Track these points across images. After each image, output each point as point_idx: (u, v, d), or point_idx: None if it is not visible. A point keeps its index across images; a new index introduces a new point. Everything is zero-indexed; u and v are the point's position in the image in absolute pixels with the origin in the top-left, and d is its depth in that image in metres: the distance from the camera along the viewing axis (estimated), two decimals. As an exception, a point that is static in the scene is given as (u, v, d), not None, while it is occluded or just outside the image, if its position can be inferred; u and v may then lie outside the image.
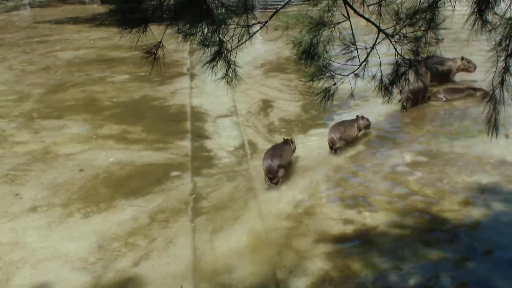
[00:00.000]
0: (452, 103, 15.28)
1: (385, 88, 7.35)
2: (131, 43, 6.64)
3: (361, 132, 13.51)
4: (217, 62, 6.58)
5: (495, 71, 6.64)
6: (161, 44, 6.57)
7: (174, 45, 6.97)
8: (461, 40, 19.92)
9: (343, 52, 7.08)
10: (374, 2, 6.88)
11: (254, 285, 8.80)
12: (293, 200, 11.00)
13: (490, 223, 10.07)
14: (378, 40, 7.16)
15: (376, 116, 14.20)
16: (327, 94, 7.11)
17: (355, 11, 6.81)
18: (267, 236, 9.94)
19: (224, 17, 6.45)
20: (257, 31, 6.47)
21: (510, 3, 6.43)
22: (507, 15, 6.50)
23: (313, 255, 9.40)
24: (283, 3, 7.04)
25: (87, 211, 10.79)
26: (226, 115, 15.17)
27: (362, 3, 6.77)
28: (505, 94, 6.91)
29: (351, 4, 6.74)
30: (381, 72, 7.31)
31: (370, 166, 12.16)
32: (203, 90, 16.63)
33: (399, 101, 7.71)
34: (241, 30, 6.36)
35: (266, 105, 15.66)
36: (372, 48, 7.00)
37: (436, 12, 7.00)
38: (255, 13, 6.62)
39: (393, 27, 7.13)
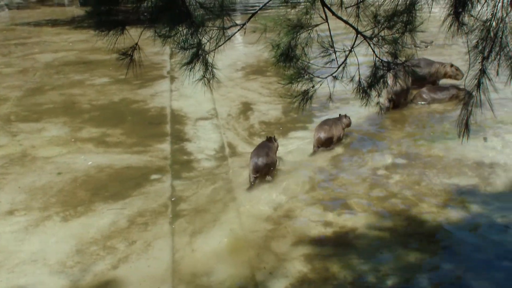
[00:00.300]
0: (432, 106, 15.38)
1: (364, 91, 7.38)
2: (110, 46, 6.62)
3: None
4: (195, 64, 6.56)
5: (467, 73, 6.70)
6: (137, 46, 6.54)
7: (154, 47, 6.96)
8: (441, 44, 20.06)
9: (322, 54, 7.09)
10: (352, 4, 6.91)
11: (233, 287, 8.78)
12: (272, 202, 11.00)
13: (468, 225, 10.14)
14: (357, 43, 7.18)
15: (356, 118, 14.25)
16: (306, 96, 7.12)
17: (333, 13, 6.82)
18: (246, 239, 9.93)
19: (203, 19, 6.43)
20: (235, 33, 6.47)
21: (486, 5, 6.48)
22: (483, 18, 6.55)
23: (292, 257, 9.41)
24: (261, 5, 7.04)
25: (66, 215, 10.71)
26: (206, 118, 15.15)
27: (340, 6, 6.79)
28: (482, 97, 6.99)
29: (329, 6, 6.75)
30: (359, 74, 7.34)
31: (350, 169, 12.20)
32: (183, 93, 16.60)
33: (377, 103, 7.70)
34: (219, 32, 6.35)
35: (246, 108, 15.66)
36: (350, 51, 7.02)
37: (413, 15, 7.03)
38: (235, 15, 6.62)
39: (371, 30, 7.16)
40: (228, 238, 9.96)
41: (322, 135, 12.99)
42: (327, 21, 6.74)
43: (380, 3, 7.10)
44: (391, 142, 13.39)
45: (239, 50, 20.89)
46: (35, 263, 9.39)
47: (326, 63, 7.02)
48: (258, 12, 7.24)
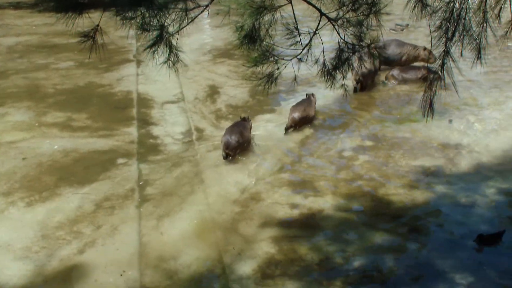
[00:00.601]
0: (401, 87, 15.42)
1: (328, 73, 7.38)
2: (72, 29, 6.52)
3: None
4: (158, 47, 6.49)
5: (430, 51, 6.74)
6: (99, 28, 6.45)
7: (120, 31, 6.85)
8: (408, 26, 20.11)
9: (287, 36, 7.06)
10: (316, -14, 6.89)
11: (200, 270, 8.79)
12: (240, 185, 11.00)
13: (433, 205, 10.26)
14: (322, 25, 7.17)
15: (324, 100, 14.27)
16: (271, 78, 7.10)
17: (297, -5, 6.81)
18: (213, 221, 9.93)
19: (165, 0, 6.36)
20: (198, 15, 6.40)
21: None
22: (446, -1, 6.59)
23: (259, 239, 9.44)
24: (224, -14, 6.98)
25: (31, 200, 10.58)
26: (173, 101, 15.03)
27: (303, -13, 6.78)
28: (448, 79, 7.04)
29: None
30: (323, 56, 7.33)
31: (317, 151, 12.24)
32: (149, 77, 16.43)
33: (342, 85, 7.72)
34: (182, 14, 6.29)
35: (213, 91, 15.57)
36: (314, 33, 7.01)
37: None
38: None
39: (336, 12, 7.15)
40: (196, 221, 9.96)
41: (297, 115, 13.16)
42: (291, 3, 6.72)
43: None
44: (358, 124, 13.45)
45: (206, 33, 20.74)
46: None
47: (291, 45, 7.00)
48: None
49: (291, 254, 9.08)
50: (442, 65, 6.94)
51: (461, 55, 6.86)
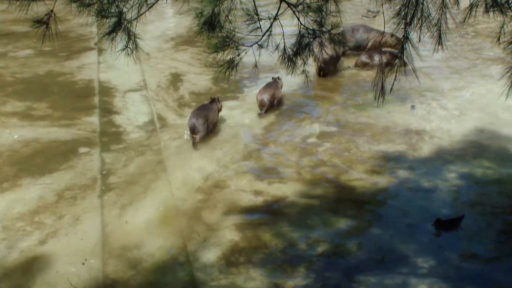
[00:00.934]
0: (364, 73, 15.47)
1: (289, 59, 7.36)
2: (26, 15, 6.40)
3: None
4: (116, 34, 6.39)
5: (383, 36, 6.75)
6: (53, 14, 6.32)
7: (81, 18, 6.72)
8: (379, 12, 20.16)
9: (247, 22, 7.02)
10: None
11: (164, 259, 8.75)
12: (204, 172, 10.97)
13: (395, 190, 10.36)
14: (282, 11, 7.13)
15: (287, 87, 14.26)
16: (231, 65, 7.06)
17: (257, -19, 6.77)
18: (177, 210, 9.88)
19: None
20: (157, 1, 6.32)
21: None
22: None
23: (223, 227, 9.44)
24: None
25: (-10, 191, 10.42)
26: (135, 89, 14.89)
27: (263, -28, 6.73)
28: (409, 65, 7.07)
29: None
30: (284, 42, 7.31)
31: (280, 138, 12.25)
32: (111, 65, 16.24)
33: (303, 71, 7.71)
34: (140, 0, 6.20)
35: (176, 79, 15.46)
36: (275, 19, 6.97)
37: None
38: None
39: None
40: (159, 209, 9.90)
41: (266, 97, 13.28)
42: (250, -12, 6.69)
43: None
44: (322, 110, 13.49)
45: (169, 21, 20.54)
46: (-41, 241, 9.15)
47: (251, 31, 6.95)
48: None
49: (255, 241, 9.09)
50: (402, 50, 6.97)
51: (419, 40, 6.90)
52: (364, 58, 15.84)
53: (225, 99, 14.05)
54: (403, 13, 6.67)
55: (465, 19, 6.97)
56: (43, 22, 6.30)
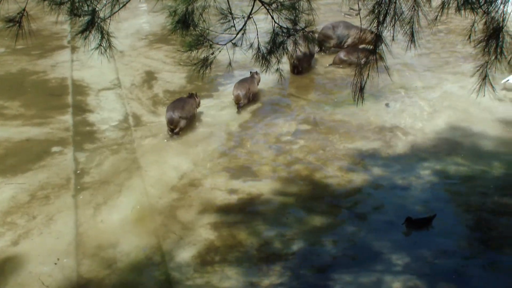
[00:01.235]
0: (336, 71, 15.47)
1: (263, 57, 7.36)
2: (1, 14, 6.33)
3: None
4: (89, 32, 6.33)
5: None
6: (25, 12, 6.25)
7: (54, 17, 6.64)
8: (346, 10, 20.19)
9: (221, 21, 6.99)
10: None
11: (139, 258, 8.73)
12: (179, 170, 10.94)
13: (370, 187, 10.41)
14: (256, 9, 7.12)
15: (262, 85, 14.25)
16: (206, 63, 7.03)
17: (231, -21, 6.75)
18: (152, 209, 9.85)
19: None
20: (129, 0, 6.28)
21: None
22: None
23: (198, 226, 9.42)
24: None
25: (-39, 191, 10.29)
26: (109, 88, 14.77)
27: (237, -29, 6.72)
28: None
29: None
30: (258, 41, 7.30)
31: (255, 135, 12.24)
32: (85, 63, 16.07)
33: (277, 70, 7.71)
34: (113, -2, 6.16)
35: (150, 77, 15.37)
36: (249, 17, 6.96)
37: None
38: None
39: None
40: (134, 208, 9.87)
41: (241, 92, 13.34)
42: (224, -13, 6.67)
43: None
44: (296, 108, 13.49)
45: (143, 19, 20.39)
46: None
47: (225, 29, 6.93)
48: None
49: (230, 240, 9.09)
50: (375, 48, 7.01)
51: (393, 38, 6.94)
52: (342, 55, 15.85)
53: (200, 97, 14.00)
54: (376, 11, 6.69)
55: (437, 17, 7.02)
56: (15, 21, 6.22)
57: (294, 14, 7.24)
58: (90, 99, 14.09)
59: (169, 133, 12.14)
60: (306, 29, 7.46)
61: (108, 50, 6.62)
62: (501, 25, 6.67)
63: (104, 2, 6.26)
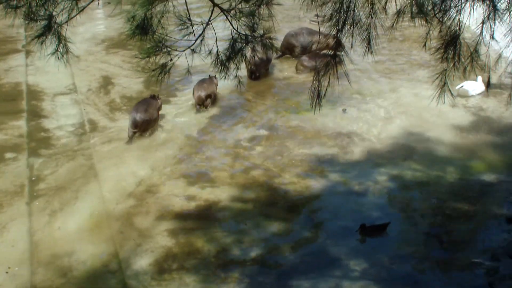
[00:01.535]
0: (295, 77, 15.52)
1: (222, 64, 7.34)
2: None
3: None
4: (46, 37, 6.22)
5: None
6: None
7: (7, 20, 6.52)
8: (302, 17, 20.25)
9: (180, 27, 6.96)
10: (208, -24, 6.81)
11: (95, 266, 8.62)
12: (136, 176, 10.85)
13: (328, 193, 10.47)
14: (215, 16, 7.11)
15: (220, 90, 14.22)
16: (164, 70, 6.98)
17: (189, -15, 6.73)
18: (109, 216, 9.75)
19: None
20: (88, 4, 6.20)
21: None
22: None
23: (156, 233, 9.36)
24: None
25: None
26: (65, 93, 14.56)
27: (195, -23, 6.70)
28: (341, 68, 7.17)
29: (185, -23, 6.64)
30: (217, 47, 7.29)
31: (213, 141, 12.21)
32: (40, 68, 15.82)
33: (236, 76, 7.71)
34: (71, 3, 6.06)
35: (107, 82, 15.20)
36: (207, 23, 6.94)
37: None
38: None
39: (228, 2, 7.11)
40: (90, 215, 9.75)
41: (203, 93, 13.41)
42: (183, -7, 6.64)
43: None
44: (254, 113, 13.49)
45: (99, 23, 20.17)
46: None
47: (184, 36, 6.90)
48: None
49: (188, 247, 9.04)
50: (334, 55, 7.05)
51: (351, 46, 7.00)
52: (304, 61, 15.87)
53: (161, 99, 13.89)
54: (335, 19, 6.74)
55: (393, 25, 7.10)
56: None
57: (253, 21, 7.25)
58: (45, 104, 13.87)
59: (129, 135, 12.07)
60: (264, 36, 7.47)
61: (65, 56, 6.52)
62: (458, 33, 6.79)
63: (62, 6, 6.15)
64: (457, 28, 6.74)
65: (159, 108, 12.87)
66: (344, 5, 6.62)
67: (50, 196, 10.21)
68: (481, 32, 6.79)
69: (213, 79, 13.79)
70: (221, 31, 7.36)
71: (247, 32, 7.36)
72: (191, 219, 9.70)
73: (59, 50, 6.52)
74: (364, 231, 9.25)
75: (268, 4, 7.08)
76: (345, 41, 6.97)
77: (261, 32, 7.41)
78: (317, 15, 6.99)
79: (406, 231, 9.51)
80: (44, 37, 6.31)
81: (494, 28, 6.64)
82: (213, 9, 6.90)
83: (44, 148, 11.83)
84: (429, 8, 6.74)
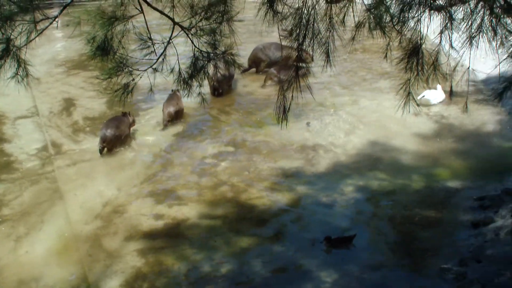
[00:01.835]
0: (258, 91, 15.58)
1: (185, 82, 7.36)
2: None
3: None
4: (5, 61, 6.15)
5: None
6: None
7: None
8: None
9: (141, 47, 6.96)
10: (167, -5, 6.82)
11: (64, 290, 8.50)
12: (103, 197, 10.76)
13: (295, 206, 10.50)
14: (176, 34, 7.13)
15: (184, 108, 14.20)
16: (127, 90, 6.97)
17: (149, 4, 6.72)
18: (77, 238, 9.63)
19: (11, 12, 6.04)
20: (47, 27, 6.15)
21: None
22: (296, 5, 6.76)
23: (125, 253, 9.27)
24: (73, -2, 6.75)
25: None
26: (27, 116, 14.40)
27: (155, -4, 6.71)
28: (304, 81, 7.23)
29: (144, -3, 6.64)
30: (179, 65, 7.30)
31: (179, 159, 12.17)
32: (-1, 91, 15.67)
33: (199, 94, 7.73)
34: (30, 26, 6.01)
35: (69, 104, 15.07)
36: (168, 42, 6.96)
37: (230, 4, 7.09)
38: (51, 7, 6.31)
39: (189, 20, 7.13)
40: (57, 239, 9.63)
41: (172, 109, 13.61)
42: (142, 13, 6.63)
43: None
44: (219, 130, 13.50)
45: (59, 44, 20.02)
46: None
47: (146, 55, 6.91)
48: (74, 4, 6.95)
49: (157, 266, 8.97)
50: (296, 69, 7.11)
51: (312, 59, 7.07)
52: (272, 74, 15.88)
53: (133, 115, 13.81)
54: (295, 33, 6.82)
55: (353, 37, 7.21)
56: None
57: (214, 38, 7.29)
58: (6, 128, 13.70)
59: (99, 150, 12.20)
60: (226, 52, 7.51)
61: (25, 79, 6.45)
62: (419, 43, 6.91)
63: (20, 29, 6.10)
64: (418, 38, 6.86)
65: (131, 125, 12.99)
66: (304, 20, 6.69)
67: (15, 221, 10.06)
68: (440, 42, 6.92)
69: (176, 93, 13.83)
70: (182, 49, 7.38)
71: (209, 50, 7.40)
72: (160, 238, 9.63)
73: (18, 73, 6.45)
74: (329, 243, 9.27)
75: (229, 21, 7.12)
76: (314, 54, 7.08)
77: (223, 49, 7.46)
78: (284, 30, 7.03)
79: (374, 241, 9.56)
80: (2, 61, 6.23)
81: (452, 37, 6.78)
82: (173, 27, 6.92)
83: (7, 173, 11.66)
84: (387, 20, 6.85)
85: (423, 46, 7.00)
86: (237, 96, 15.64)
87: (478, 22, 6.64)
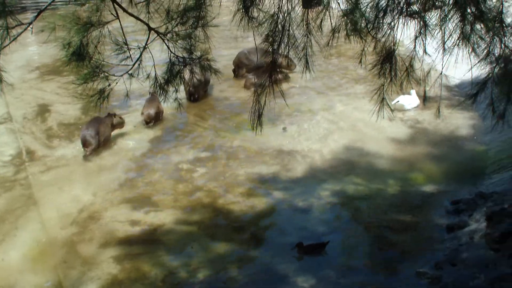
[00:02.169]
0: (234, 97, 15.58)
1: (161, 87, 7.34)
2: None
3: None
4: (-23, 67, 6.09)
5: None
6: None
7: None
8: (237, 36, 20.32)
9: (116, 52, 6.93)
10: (142, 1, 6.80)
11: (39, 298, 8.42)
12: (78, 204, 10.67)
13: (272, 211, 10.52)
14: (152, 39, 7.11)
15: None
16: (103, 95, 6.93)
17: (124, 10, 6.69)
18: (51, 245, 9.56)
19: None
20: (21, 33, 6.10)
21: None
22: (271, 11, 6.78)
23: (101, 260, 9.21)
24: (47, 4, 6.68)
25: None
26: (0, 122, 14.27)
27: (130, 2, 6.67)
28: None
29: (120, 2, 6.61)
30: (155, 71, 7.28)
31: (155, 165, 12.13)
32: (-29, 97, 15.51)
33: (176, 99, 7.72)
34: (3, 32, 5.95)
35: (43, 110, 14.95)
36: (144, 48, 6.94)
37: (205, 10, 7.10)
38: (25, 12, 6.25)
39: (165, 26, 7.12)
40: (31, 247, 9.53)
41: (152, 111, 13.75)
42: (118, 18, 6.60)
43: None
44: (196, 135, 13.48)
45: (32, 50, 19.87)
46: None
47: (121, 60, 6.87)
48: (48, 9, 6.89)
49: (134, 272, 8.92)
50: (271, 75, 7.13)
51: (288, 65, 7.09)
52: (251, 79, 15.86)
53: (120, 116, 13.72)
54: (271, 39, 6.84)
55: (329, 43, 7.24)
56: None
57: (190, 44, 7.28)
58: (-21, 135, 13.55)
59: (85, 152, 12.33)
60: (202, 58, 7.51)
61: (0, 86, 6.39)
62: (393, 49, 6.97)
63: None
64: (392, 44, 6.92)
65: (116, 127, 13.17)
66: (279, 26, 6.72)
67: (-12, 229, 9.96)
68: (414, 47, 6.99)
69: (155, 95, 13.70)
70: (158, 54, 7.36)
71: (185, 55, 7.39)
72: (136, 244, 9.59)
73: (-8, 79, 6.39)
74: (302, 249, 9.27)
75: (205, 26, 7.13)
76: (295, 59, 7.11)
77: (199, 54, 7.45)
78: (254, 36, 7.04)
79: (351, 245, 9.60)
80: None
81: (425, 43, 6.86)
82: (149, 33, 6.91)
83: (-20, 180, 11.55)
84: (362, 25, 6.90)
85: (397, 51, 7.07)
86: (213, 101, 15.63)
87: (451, 28, 6.72)
